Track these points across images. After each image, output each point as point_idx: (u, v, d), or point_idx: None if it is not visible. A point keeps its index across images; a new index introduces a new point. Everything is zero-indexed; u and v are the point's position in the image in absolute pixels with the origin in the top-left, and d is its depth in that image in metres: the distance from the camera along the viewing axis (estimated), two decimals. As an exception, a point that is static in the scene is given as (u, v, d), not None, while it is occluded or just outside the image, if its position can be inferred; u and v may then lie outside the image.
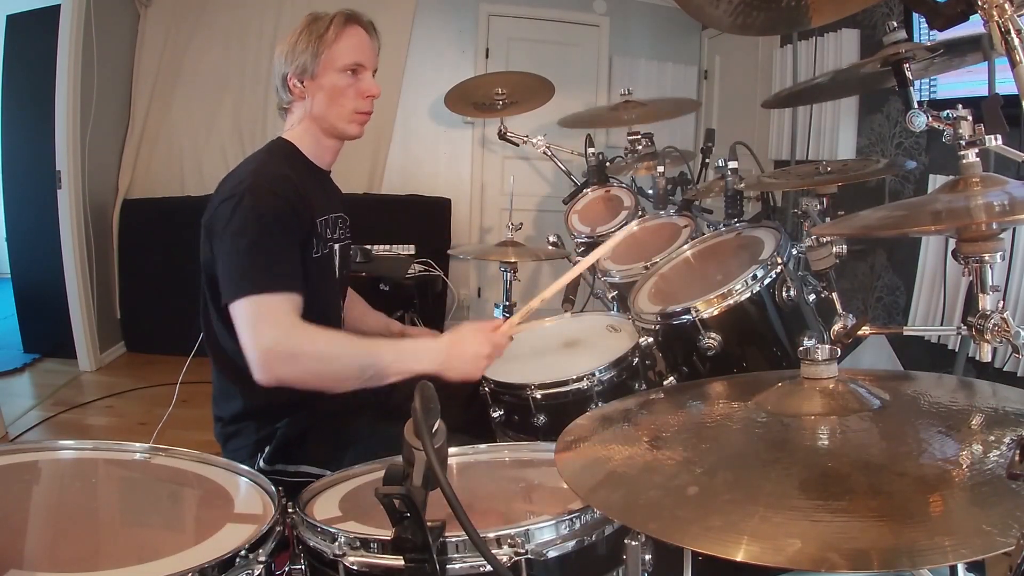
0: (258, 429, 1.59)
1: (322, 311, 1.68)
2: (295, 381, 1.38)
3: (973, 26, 0.99)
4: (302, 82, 1.61)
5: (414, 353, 1.45)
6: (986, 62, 1.99)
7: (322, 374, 1.40)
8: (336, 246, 1.70)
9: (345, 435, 1.57)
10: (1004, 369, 2.55)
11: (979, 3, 0.90)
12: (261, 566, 0.93)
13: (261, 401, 1.59)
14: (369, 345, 1.47)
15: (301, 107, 1.64)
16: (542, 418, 1.63)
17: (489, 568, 0.86)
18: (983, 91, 2.38)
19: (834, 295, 1.59)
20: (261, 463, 1.57)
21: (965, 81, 2.78)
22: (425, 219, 4.57)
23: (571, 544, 0.98)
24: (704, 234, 2.03)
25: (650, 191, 2.72)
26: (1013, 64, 0.89)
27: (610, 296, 2.22)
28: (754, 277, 1.55)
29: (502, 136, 3.60)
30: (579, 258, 2.55)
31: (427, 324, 4.28)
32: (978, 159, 1.15)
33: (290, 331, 1.37)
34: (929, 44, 1.48)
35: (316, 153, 1.68)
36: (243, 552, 0.92)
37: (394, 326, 1.98)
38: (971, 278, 1.11)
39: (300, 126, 1.66)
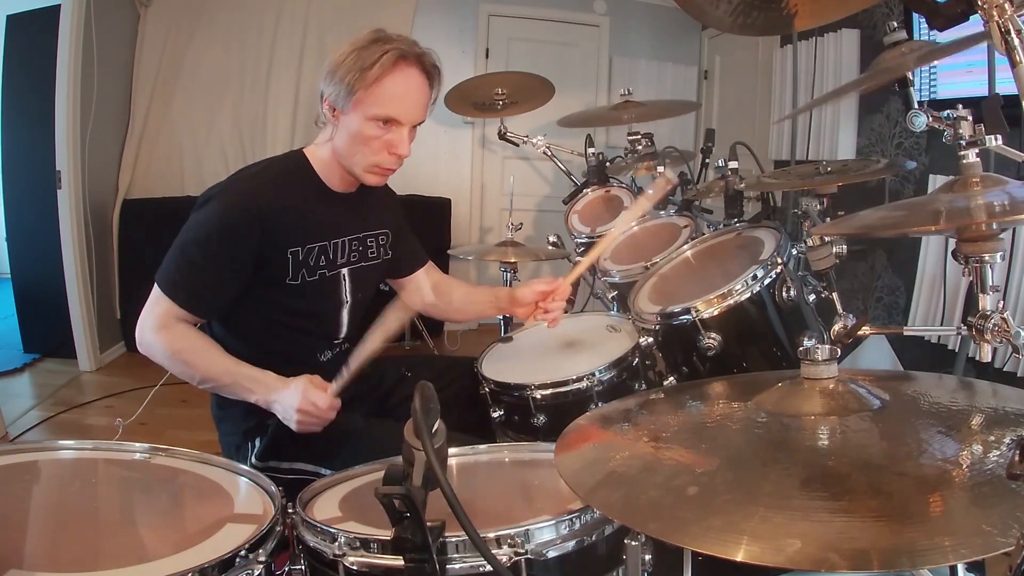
0: (245, 417, 1.58)
1: (309, 332, 1.62)
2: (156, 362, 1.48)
3: (973, 26, 0.99)
4: (333, 111, 1.49)
5: (249, 383, 1.45)
6: (986, 61, 1.99)
7: (173, 370, 1.49)
8: (345, 270, 1.62)
9: (339, 431, 1.56)
10: (1004, 369, 2.55)
11: (979, 3, 0.90)
12: (261, 566, 0.93)
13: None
14: (215, 363, 1.47)
15: (328, 131, 1.53)
16: (542, 418, 1.63)
17: (489, 568, 0.86)
18: (983, 91, 2.38)
19: (834, 295, 1.59)
20: (253, 459, 1.57)
21: (965, 81, 2.78)
22: (425, 219, 4.57)
23: (571, 544, 0.98)
24: (704, 234, 2.03)
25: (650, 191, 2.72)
26: (1013, 64, 0.89)
27: (610, 296, 2.22)
28: (754, 277, 1.55)
29: (502, 136, 3.60)
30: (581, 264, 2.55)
31: (427, 325, 4.32)
32: (978, 159, 1.15)
33: (158, 331, 1.45)
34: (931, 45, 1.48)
35: (332, 179, 1.59)
36: (243, 552, 0.92)
37: (501, 292, 1.86)
38: (971, 278, 1.11)
39: (325, 147, 1.56)
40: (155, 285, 1.47)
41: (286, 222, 1.50)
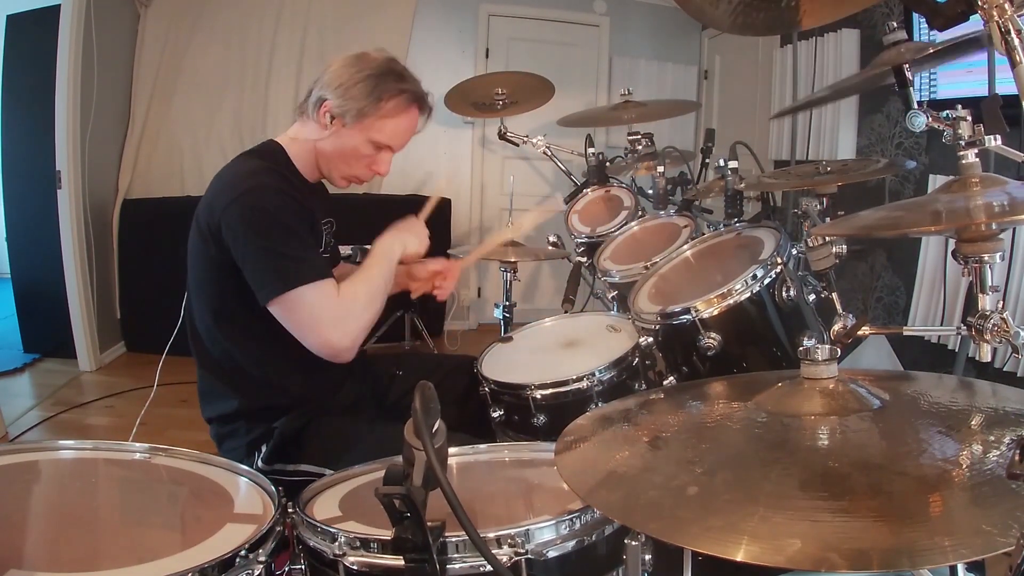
0: (249, 430, 1.58)
1: None
2: (364, 333, 1.52)
3: (973, 26, 0.99)
4: (332, 120, 1.57)
5: (390, 247, 1.62)
6: (986, 61, 1.99)
7: (375, 312, 1.53)
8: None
9: (343, 434, 1.57)
10: (1004, 369, 2.55)
11: (979, 3, 0.90)
12: (261, 566, 0.93)
13: (250, 401, 1.59)
14: (369, 267, 1.57)
15: (315, 131, 1.60)
16: (542, 418, 1.63)
17: (489, 568, 0.86)
18: (983, 91, 2.39)
19: (834, 295, 1.59)
20: (259, 463, 1.57)
21: (965, 81, 2.78)
22: (425, 219, 4.56)
23: (571, 544, 0.98)
24: (704, 234, 2.03)
25: (650, 191, 2.72)
26: (1013, 64, 0.89)
27: (610, 296, 2.22)
28: (754, 277, 1.55)
29: (502, 136, 3.60)
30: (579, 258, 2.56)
31: (427, 325, 4.31)
32: (978, 159, 1.15)
33: (339, 304, 1.48)
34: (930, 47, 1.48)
35: (305, 168, 1.65)
36: (243, 552, 0.92)
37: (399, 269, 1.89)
38: (971, 278, 1.10)
39: (304, 143, 1.63)
40: (293, 298, 1.43)
41: (303, 198, 1.56)
